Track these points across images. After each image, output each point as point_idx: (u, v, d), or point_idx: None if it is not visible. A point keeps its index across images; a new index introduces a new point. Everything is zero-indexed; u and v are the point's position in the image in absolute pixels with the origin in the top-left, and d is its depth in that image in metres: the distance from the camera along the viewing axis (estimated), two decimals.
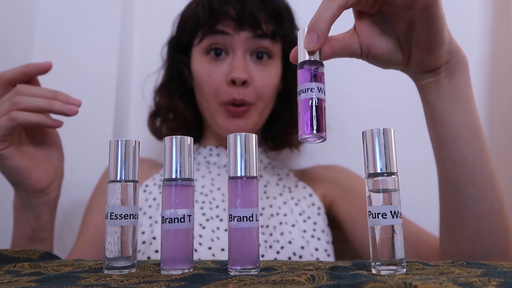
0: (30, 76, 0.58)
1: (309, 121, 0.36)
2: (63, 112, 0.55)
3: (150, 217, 0.67)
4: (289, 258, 0.65)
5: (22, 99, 0.54)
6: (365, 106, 0.95)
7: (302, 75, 0.38)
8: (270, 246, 0.65)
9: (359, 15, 0.46)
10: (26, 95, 0.55)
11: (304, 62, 0.39)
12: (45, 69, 0.58)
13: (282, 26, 0.74)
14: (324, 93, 0.38)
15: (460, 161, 0.49)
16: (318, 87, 0.37)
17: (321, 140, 0.37)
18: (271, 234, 0.66)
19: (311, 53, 0.39)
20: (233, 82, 0.70)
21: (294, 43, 0.78)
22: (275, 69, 0.75)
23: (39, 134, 0.61)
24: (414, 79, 0.50)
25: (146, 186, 0.74)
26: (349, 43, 0.45)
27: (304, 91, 0.37)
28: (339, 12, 0.40)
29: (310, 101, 0.37)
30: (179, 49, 0.79)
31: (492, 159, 0.51)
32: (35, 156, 0.59)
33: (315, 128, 0.36)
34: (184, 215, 0.35)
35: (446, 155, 0.50)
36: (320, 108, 0.37)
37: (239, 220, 0.34)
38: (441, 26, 0.44)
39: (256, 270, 0.35)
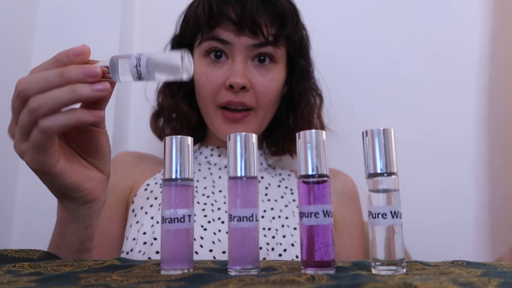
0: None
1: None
2: (95, 97, 0.41)
3: (152, 217, 0.67)
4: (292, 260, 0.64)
5: (37, 101, 0.40)
6: (365, 106, 0.95)
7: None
8: (272, 249, 0.65)
9: None
10: (35, 93, 0.41)
11: None
12: (80, 54, 0.42)
13: (285, 29, 0.71)
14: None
15: None
16: None
17: None
18: (273, 237, 0.66)
19: None
20: (231, 87, 0.68)
21: (299, 44, 0.78)
22: (278, 73, 0.73)
23: (81, 137, 0.48)
24: None
25: (148, 185, 0.73)
26: None
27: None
28: None
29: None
30: (182, 48, 0.78)
31: None
32: (84, 164, 0.48)
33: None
34: (184, 215, 0.35)
35: None
36: None
37: (239, 220, 0.34)
38: None
39: (256, 270, 0.35)
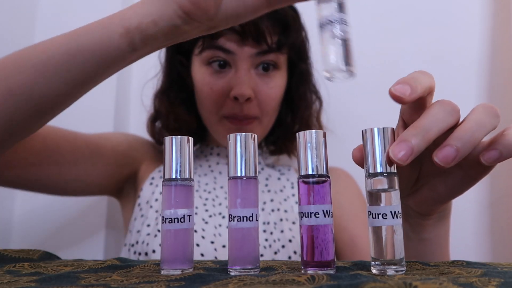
0: None
1: None
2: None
3: (156, 211, 0.67)
4: (289, 257, 0.64)
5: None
6: (365, 108, 0.95)
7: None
8: (270, 246, 0.65)
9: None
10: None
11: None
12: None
13: (288, 36, 0.70)
14: None
15: None
16: None
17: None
18: (271, 233, 0.66)
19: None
20: (235, 98, 0.67)
21: (301, 49, 0.77)
22: (281, 79, 0.72)
23: None
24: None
25: (153, 178, 0.73)
26: None
27: None
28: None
29: None
30: (178, 51, 0.76)
31: None
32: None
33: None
34: (184, 215, 0.35)
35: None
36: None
37: (239, 220, 0.34)
38: (471, 186, 0.40)
39: (256, 270, 0.35)
